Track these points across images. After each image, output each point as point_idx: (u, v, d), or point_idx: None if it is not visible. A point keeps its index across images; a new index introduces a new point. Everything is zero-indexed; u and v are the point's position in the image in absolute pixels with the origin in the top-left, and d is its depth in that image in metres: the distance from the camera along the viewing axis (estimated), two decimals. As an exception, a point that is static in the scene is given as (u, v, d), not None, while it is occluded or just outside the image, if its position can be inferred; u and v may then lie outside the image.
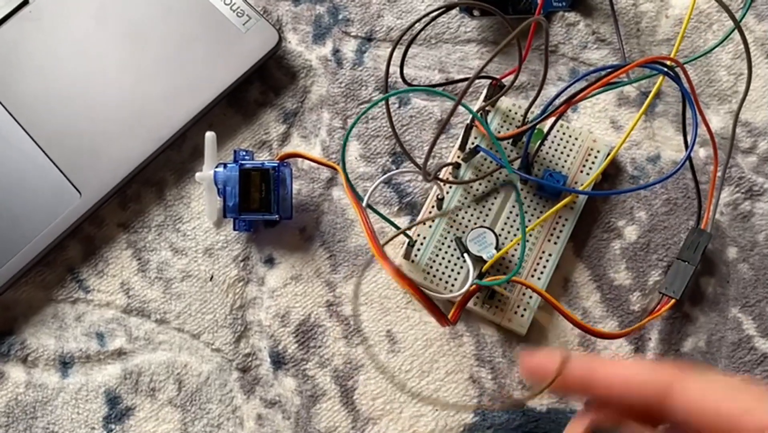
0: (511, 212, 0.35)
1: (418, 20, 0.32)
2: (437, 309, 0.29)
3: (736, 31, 0.32)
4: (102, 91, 0.38)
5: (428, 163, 0.29)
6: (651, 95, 0.31)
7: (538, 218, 0.35)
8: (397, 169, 0.38)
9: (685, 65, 0.30)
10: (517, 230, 0.35)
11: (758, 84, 0.38)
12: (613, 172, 0.37)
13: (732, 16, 0.31)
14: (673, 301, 0.33)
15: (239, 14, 0.39)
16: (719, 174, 0.35)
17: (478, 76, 0.25)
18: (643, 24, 0.40)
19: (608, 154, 0.36)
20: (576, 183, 0.36)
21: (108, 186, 0.36)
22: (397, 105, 0.39)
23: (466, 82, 0.38)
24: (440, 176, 0.36)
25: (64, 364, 0.36)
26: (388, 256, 0.29)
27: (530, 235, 0.35)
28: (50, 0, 0.40)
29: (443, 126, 0.26)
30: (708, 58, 0.39)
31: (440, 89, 0.38)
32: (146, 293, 0.36)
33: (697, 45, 0.39)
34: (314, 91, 0.39)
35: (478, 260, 0.34)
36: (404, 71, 0.35)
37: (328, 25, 0.40)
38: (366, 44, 0.40)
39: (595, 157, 0.36)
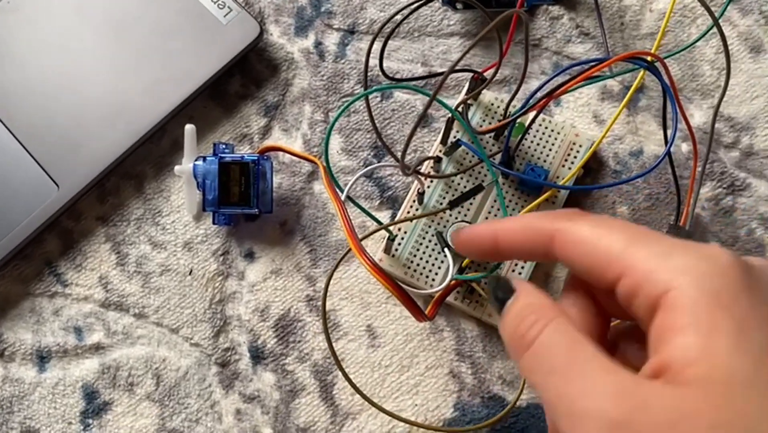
0: (492, 207, 0.35)
1: (399, 11, 0.32)
2: (414, 304, 0.29)
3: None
4: (81, 83, 0.38)
5: (409, 157, 0.29)
6: (631, 90, 0.31)
7: (519, 212, 0.35)
8: (378, 162, 0.38)
9: (666, 60, 0.30)
10: (499, 224, 0.35)
11: (741, 79, 0.38)
12: (595, 167, 0.37)
13: (711, 14, 0.31)
14: None
15: (220, 6, 0.38)
16: (699, 169, 0.34)
17: (452, 71, 0.25)
18: (627, 18, 0.39)
19: (590, 149, 0.36)
20: (558, 177, 0.36)
21: (86, 179, 0.36)
22: (379, 99, 0.38)
23: (442, 77, 0.38)
24: (421, 170, 0.35)
25: (42, 358, 0.35)
26: (368, 250, 0.29)
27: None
28: (29, -10, 0.39)
29: (419, 120, 0.26)
30: (691, 53, 0.39)
31: (421, 83, 0.38)
32: (125, 287, 0.36)
33: (680, 39, 0.39)
34: (296, 84, 0.39)
35: (458, 255, 0.33)
36: (387, 64, 0.35)
37: (311, 17, 0.40)
38: (348, 37, 0.40)
39: (578, 151, 0.36)
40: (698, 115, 0.38)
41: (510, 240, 0.23)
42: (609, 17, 0.39)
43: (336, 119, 0.28)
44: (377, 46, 0.33)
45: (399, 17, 0.32)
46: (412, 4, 0.31)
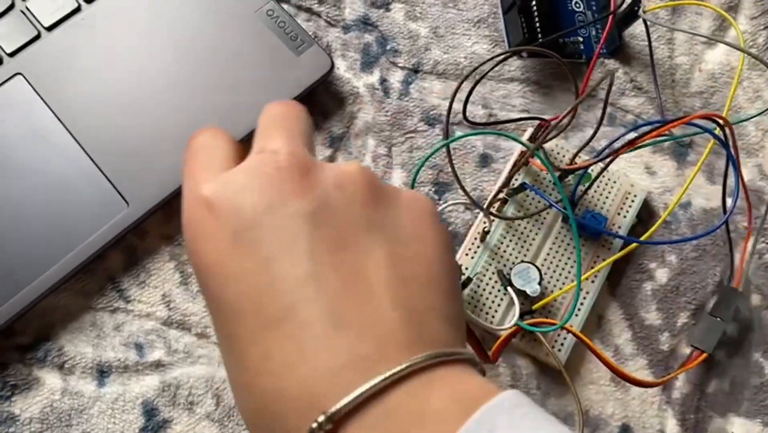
0: (551, 248, 0.37)
1: (483, 63, 0.33)
2: (480, 346, 0.30)
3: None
4: (153, 103, 0.38)
5: (477, 198, 0.30)
6: (704, 154, 0.33)
7: (576, 256, 0.37)
8: (438, 198, 0.39)
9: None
10: (557, 265, 0.36)
11: (785, 141, 0.40)
12: (646, 217, 0.39)
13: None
14: (705, 355, 0.35)
15: (293, 38, 0.40)
16: (753, 233, 0.36)
17: (546, 123, 0.26)
18: (677, 76, 0.41)
19: (644, 199, 0.38)
20: (614, 225, 0.37)
21: (156, 198, 0.37)
22: (441, 137, 0.40)
23: (521, 123, 0.40)
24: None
25: (102, 373, 0.36)
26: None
27: (571, 274, 0.36)
28: (103, 8, 0.40)
29: (516, 169, 0.27)
30: (737, 113, 0.41)
31: (490, 128, 0.40)
32: (188, 306, 0.37)
33: (726, 98, 0.41)
34: (360, 118, 0.40)
35: (520, 294, 0.35)
36: (450, 105, 0.36)
37: (376, 54, 0.41)
38: (412, 76, 0.41)
39: (632, 201, 0.38)
40: (744, 173, 0.40)
41: None
42: (661, 74, 0.42)
43: (423, 163, 0.30)
44: (438, 87, 0.35)
45: (484, 68, 0.34)
46: (496, 57, 0.33)
